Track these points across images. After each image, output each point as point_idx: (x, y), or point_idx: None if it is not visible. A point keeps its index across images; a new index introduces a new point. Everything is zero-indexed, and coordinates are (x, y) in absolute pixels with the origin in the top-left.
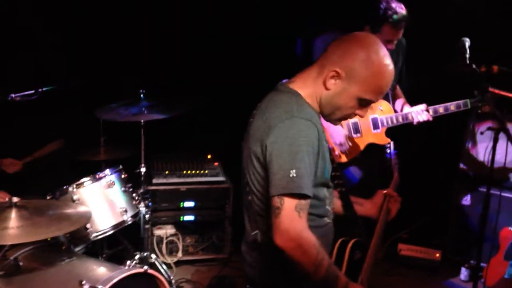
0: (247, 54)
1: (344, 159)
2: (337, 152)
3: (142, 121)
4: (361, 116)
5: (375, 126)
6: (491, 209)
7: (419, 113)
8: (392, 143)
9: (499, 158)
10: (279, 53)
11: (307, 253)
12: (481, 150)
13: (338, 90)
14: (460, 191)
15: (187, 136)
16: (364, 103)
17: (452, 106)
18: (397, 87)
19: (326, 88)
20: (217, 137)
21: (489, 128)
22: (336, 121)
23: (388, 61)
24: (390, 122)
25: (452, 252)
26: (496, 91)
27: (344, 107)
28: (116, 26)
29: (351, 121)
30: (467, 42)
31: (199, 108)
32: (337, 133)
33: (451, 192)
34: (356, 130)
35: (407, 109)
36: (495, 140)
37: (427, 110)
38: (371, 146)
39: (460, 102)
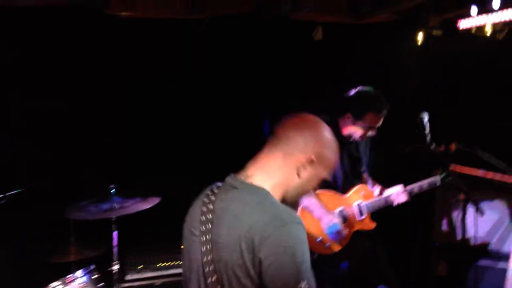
0: (215, 137)
1: (334, 250)
2: (327, 243)
3: (113, 217)
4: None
5: (361, 213)
6: (470, 279)
7: (399, 195)
8: None
9: (470, 227)
10: (246, 135)
11: None
12: (453, 220)
13: (310, 176)
14: (437, 262)
15: (160, 226)
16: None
17: (425, 185)
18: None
19: (297, 176)
20: None
21: (457, 200)
22: (296, 203)
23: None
24: (376, 207)
25: None
26: (457, 168)
27: (309, 189)
28: (75, 125)
29: (336, 210)
30: (426, 117)
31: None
32: (330, 221)
33: (427, 264)
34: (343, 218)
35: (387, 192)
36: (464, 210)
37: (404, 192)
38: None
39: (433, 180)
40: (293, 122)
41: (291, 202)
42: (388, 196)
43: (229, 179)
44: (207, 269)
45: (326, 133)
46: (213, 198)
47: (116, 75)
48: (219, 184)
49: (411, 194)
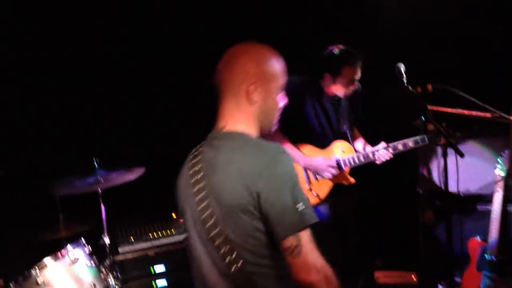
0: (198, 109)
1: (318, 199)
2: (314, 192)
3: (99, 190)
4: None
5: (339, 167)
6: (456, 223)
7: (381, 152)
8: None
9: (453, 172)
10: None
11: (332, 281)
12: (435, 167)
13: (264, 95)
14: (423, 211)
15: (148, 197)
16: (281, 88)
17: (410, 142)
18: (354, 128)
19: (252, 104)
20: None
21: (437, 144)
22: (274, 125)
23: (263, 45)
24: (352, 162)
25: (427, 272)
26: (435, 108)
27: (275, 106)
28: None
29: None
30: (402, 67)
31: (156, 168)
32: (321, 163)
33: (415, 213)
34: None
35: (369, 148)
36: (445, 155)
37: (387, 148)
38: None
39: (418, 138)
40: (225, 61)
41: (267, 125)
42: (370, 152)
43: (208, 136)
44: (208, 225)
45: (258, 51)
46: (199, 156)
47: (92, 45)
48: (201, 144)
49: (394, 151)
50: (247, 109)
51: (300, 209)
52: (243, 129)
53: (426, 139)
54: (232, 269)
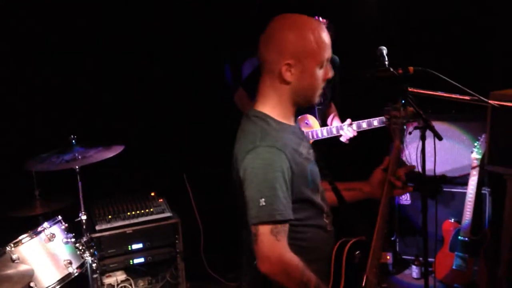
0: (177, 85)
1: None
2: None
3: (77, 167)
4: (332, 76)
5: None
6: (431, 204)
7: (344, 128)
8: None
9: (430, 155)
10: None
11: (291, 276)
12: (413, 150)
13: (298, 75)
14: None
15: (125, 176)
16: (324, 64)
17: (375, 121)
18: (332, 104)
19: (288, 83)
20: (158, 173)
21: (416, 128)
22: (317, 98)
23: (306, 17)
24: (315, 136)
25: (401, 252)
26: (415, 90)
27: (313, 83)
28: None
29: None
30: (385, 50)
31: (135, 145)
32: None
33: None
34: None
35: (335, 123)
36: (423, 138)
37: (351, 125)
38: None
39: (383, 117)
40: (263, 38)
41: (307, 100)
42: (333, 127)
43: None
44: (234, 187)
45: (296, 26)
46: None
47: (68, 19)
48: None
49: (359, 129)
50: (281, 88)
51: (261, 204)
52: (266, 110)
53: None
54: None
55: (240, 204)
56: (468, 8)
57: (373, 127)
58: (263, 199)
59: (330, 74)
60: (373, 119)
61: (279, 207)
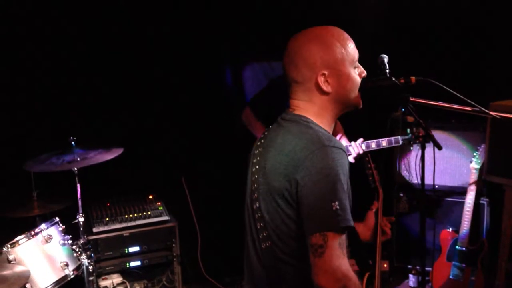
0: (177, 88)
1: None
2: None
3: (75, 169)
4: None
5: None
6: (428, 214)
7: (352, 143)
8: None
9: (429, 164)
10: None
11: None
12: (412, 159)
13: (336, 83)
14: (397, 201)
15: (124, 178)
16: (356, 63)
17: (384, 142)
18: (337, 121)
19: (327, 94)
20: (157, 176)
21: (416, 136)
22: (359, 100)
23: (321, 27)
24: None
25: (399, 261)
26: (417, 100)
27: (352, 85)
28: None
29: None
30: (386, 58)
31: (134, 148)
32: None
33: (390, 202)
34: None
35: (344, 143)
36: (423, 147)
37: (360, 144)
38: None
39: (392, 138)
40: (287, 59)
41: (348, 104)
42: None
43: (284, 113)
44: (252, 198)
45: (323, 36)
46: (266, 133)
47: (67, 20)
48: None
49: (367, 148)
50: (322, 100)
51: (334, 208)
52: (312, 115)
53: (400, 140)
54: (263, 246)
55: (270, 220)
56: (468, 18)
57: (381, 147)
58: (336, 203)
59: (364, 73)
60: (382, 140)
61: (349, 214)
